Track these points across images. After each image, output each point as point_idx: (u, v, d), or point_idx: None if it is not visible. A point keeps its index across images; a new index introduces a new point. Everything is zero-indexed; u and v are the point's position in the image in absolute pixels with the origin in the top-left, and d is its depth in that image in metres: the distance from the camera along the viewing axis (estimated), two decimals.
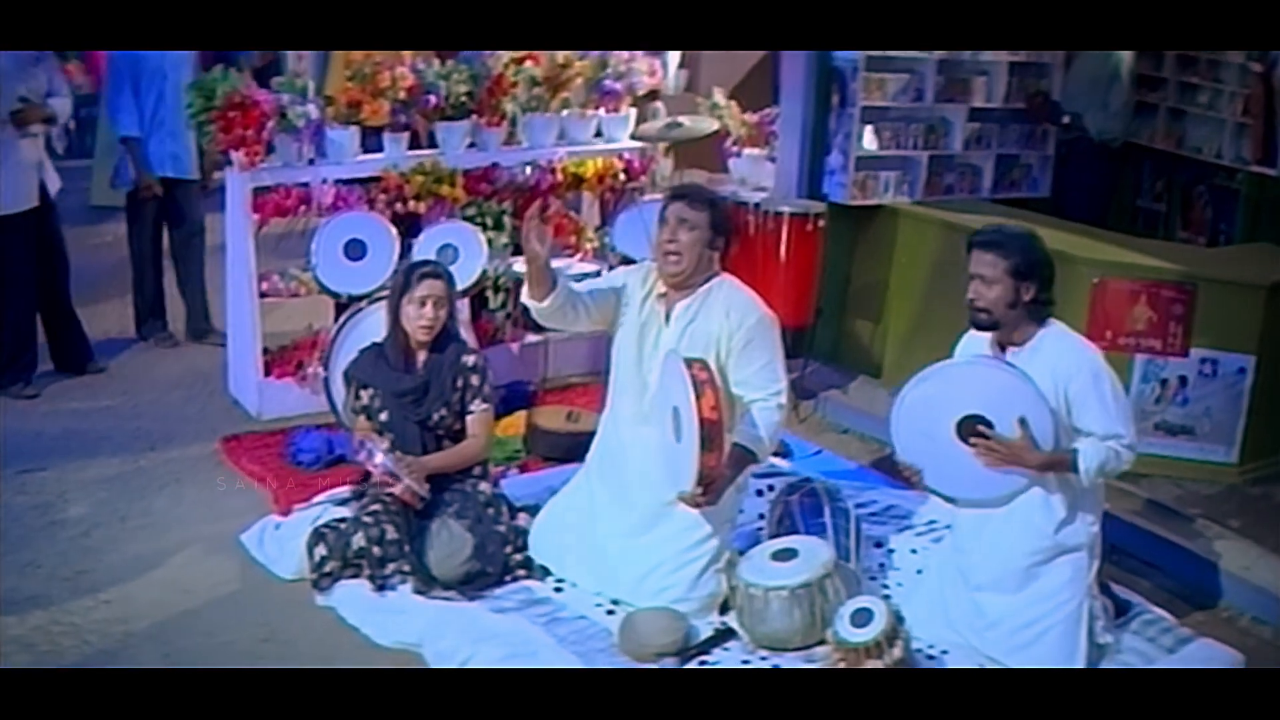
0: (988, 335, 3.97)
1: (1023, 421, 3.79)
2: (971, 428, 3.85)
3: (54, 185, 5.87)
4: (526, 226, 4.09)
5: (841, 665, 3.78)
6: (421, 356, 4.47)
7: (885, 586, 4.42)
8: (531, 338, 5.92)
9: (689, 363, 3.94)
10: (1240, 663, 4.08)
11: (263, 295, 5.58)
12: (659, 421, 4.12)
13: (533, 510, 4.61)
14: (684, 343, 4.14)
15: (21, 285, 5.76)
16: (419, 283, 4.39)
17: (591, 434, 4.53)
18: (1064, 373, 3.82)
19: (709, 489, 4.00)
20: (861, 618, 3.82)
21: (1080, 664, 3.90)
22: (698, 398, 3.84)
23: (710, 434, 3.86)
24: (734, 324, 4.14)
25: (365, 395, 4.48)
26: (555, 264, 5.90)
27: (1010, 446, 3.81)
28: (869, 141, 6.07)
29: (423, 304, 4.38)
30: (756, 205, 5.86)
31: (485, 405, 4.50)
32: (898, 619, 3.89)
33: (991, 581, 3.96)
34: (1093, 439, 3.82)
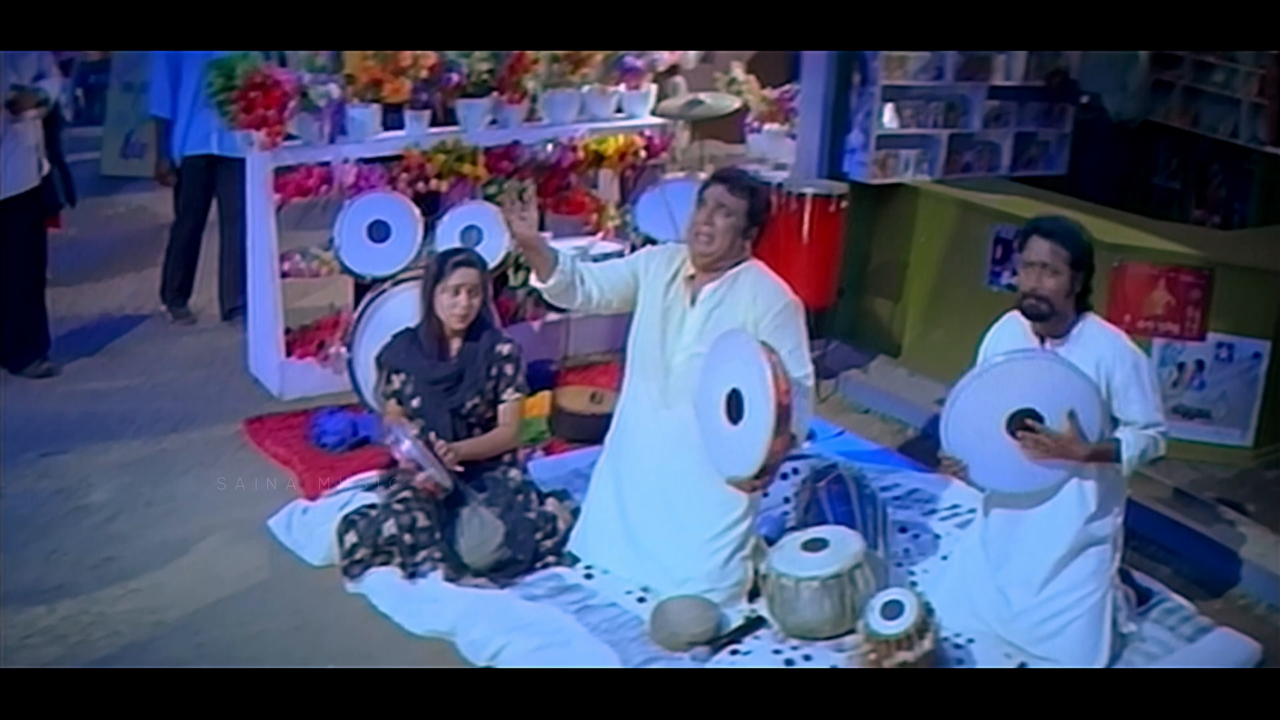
0: (1024, 326, 3.96)
1: (1072, 414, 3.81)
2: (1020, 422, 3.86)
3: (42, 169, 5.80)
4: (505, 215, 4.10)
5: (872, 657, 3.81)
6: (455, 344, 4.45)
7: (910, 573, 4.44)
8: (552, 316, 5.87)
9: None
10: (1258, 652, 4.13)
11: (284, 275, 5.53)
12: (705, 405, 4.05)
13: (559, 495, 4.61)
14: (709, 327, 4.12)
15: (27, 264, 5.71)
16: (453, 271, 4.36)
17: None
18: (1107, 363, 3.85)
19: (765, 473, 4.00)
20: (892, 610, 3.84)
21: (1104, 654, 3.95)
22: (774, 379, 3.82)
23: (781, 417, 3.84)
24: (760, 310, 4.12)
25: (397, 380, 4.46)
26: (578, 243, 5.96)
27: (1059, 439, 3.83)
28: (889, 120, 6.06)
29: (456, 292, 4.35)
30: (779, 186, 5.81)
31: (518, 394, 4.48)
32: (927, 610, 3.92)
33: (1022, 577, 3.99)
34: (1133, 427, 3.87)
